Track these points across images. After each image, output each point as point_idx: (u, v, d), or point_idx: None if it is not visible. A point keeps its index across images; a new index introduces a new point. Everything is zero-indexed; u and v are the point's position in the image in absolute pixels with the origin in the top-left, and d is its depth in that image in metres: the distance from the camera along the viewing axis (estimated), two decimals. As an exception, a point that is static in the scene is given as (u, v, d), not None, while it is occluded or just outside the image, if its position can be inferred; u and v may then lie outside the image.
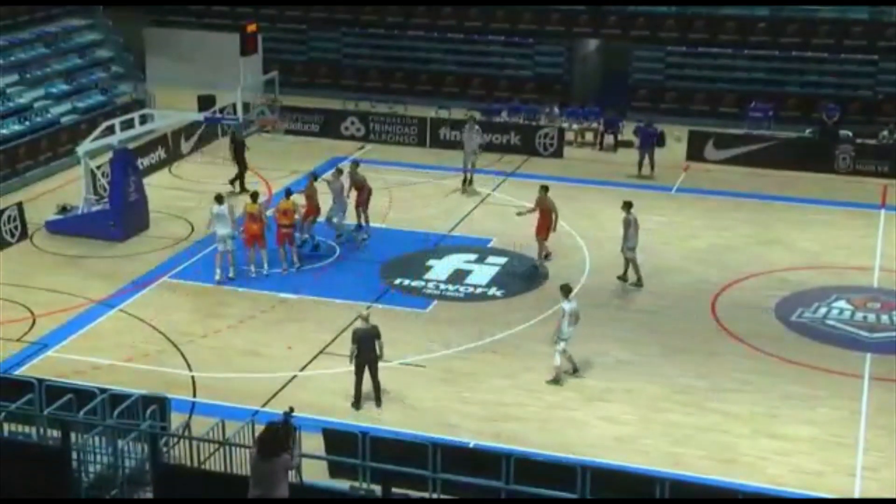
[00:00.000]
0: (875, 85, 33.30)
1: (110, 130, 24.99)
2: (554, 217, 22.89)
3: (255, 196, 22.63)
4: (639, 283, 22.07)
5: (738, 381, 18.40)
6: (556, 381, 18.15)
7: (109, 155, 25.41)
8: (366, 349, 17.16)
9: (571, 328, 18.11)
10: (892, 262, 23.50)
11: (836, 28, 33.69)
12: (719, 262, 23.46)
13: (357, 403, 17.36)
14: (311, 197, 23.61)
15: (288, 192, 22.92)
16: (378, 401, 17.43)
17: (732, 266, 23.27)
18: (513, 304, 21.41)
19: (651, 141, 29.19)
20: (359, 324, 17.37)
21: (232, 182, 27.35)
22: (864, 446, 16.51)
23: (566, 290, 18.36)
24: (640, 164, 29.24)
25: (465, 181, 27.89)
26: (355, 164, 25.10)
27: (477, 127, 28.26)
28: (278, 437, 12.18)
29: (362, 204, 24.42)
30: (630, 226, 21.87)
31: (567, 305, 18.11)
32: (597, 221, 25.34)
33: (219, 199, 22.05)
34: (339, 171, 24.57)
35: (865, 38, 33.40)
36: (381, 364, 17.38)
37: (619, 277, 22.24)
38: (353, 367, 17.31)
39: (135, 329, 20.20)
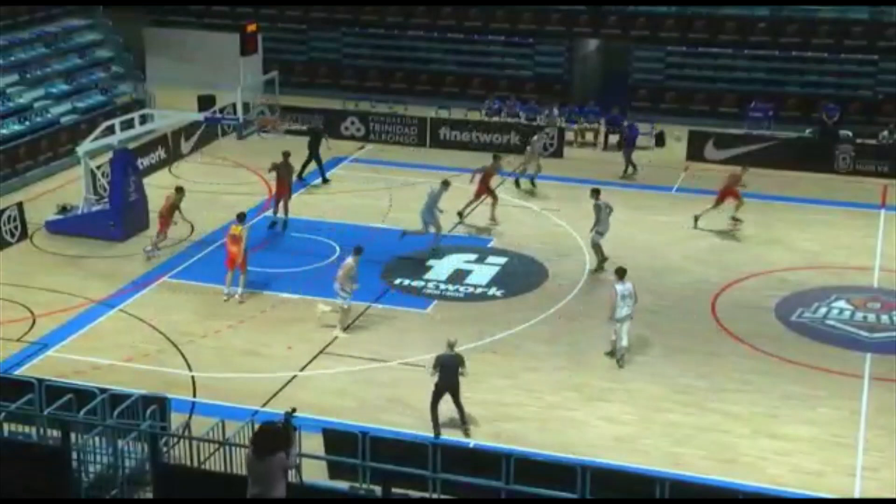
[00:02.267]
0: (875, 85, 33.31)
1: (110, 130, 24.99)
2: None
3: (241, 217, 21.41)
4: (600, 268, 22.56)
5: (738, 381, 18.41)
6: (615, 358, 18.84)
7: (109, 155, 25.40)
8: (447, 375, 16.53)
9: (626, 310, 18.54)
10: (892, 262, 23.50)
11: (836, 28, 33.70)
12: (719, 262, 23.46)
13: (436, 430, 16.45)
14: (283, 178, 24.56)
15: (240, 217, 21.44)
16: (465, 428, 16.66)
17: (733, 266, 23.27)
18: (513, 304, 21.41)
19: (632, 140, 29.30)
20: (445, 350, 16.84)
21: (300, 175, 27.67)
22: (864, 446, 16.51)
23: (620, 273, 18.85)
24: (629, 165, 29.28)
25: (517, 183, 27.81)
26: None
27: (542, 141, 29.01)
28: (273, 435, 12.15)
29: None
30: (601, 211, 22.50)
31: (620, 287, 18.60)
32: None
33: (240, 217, 21.38)
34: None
35: (865, 38, 33.41)
36: (380, 364, 17.30)
37: (593, 271, 22.58)
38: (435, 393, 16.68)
39: (135, 329, 20.20)
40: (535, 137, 28.72)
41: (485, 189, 25.21)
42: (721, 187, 25.26)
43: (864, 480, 15.66)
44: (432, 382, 16.73)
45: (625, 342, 18.76)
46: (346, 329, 19.93)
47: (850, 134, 30.68)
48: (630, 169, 29.26)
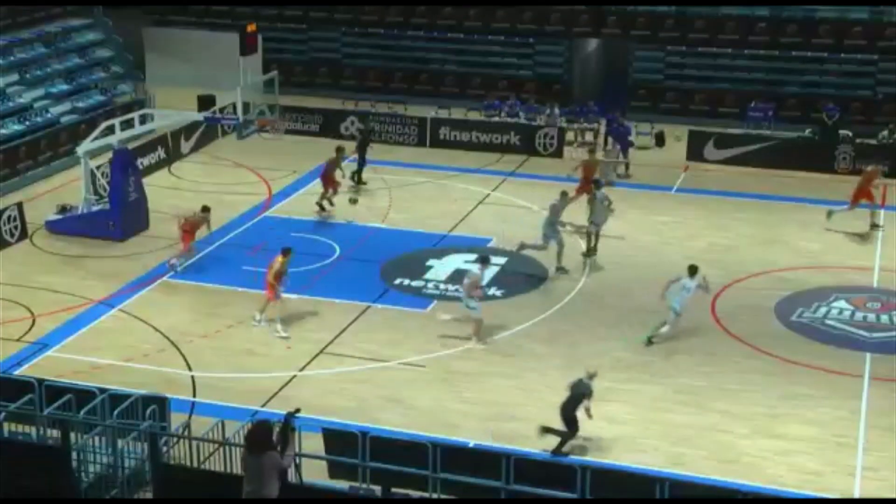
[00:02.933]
0: (875, 85, 33.30)
1: (110, 130, 24.99)
2: None
3: (286, 252, 20.34)
4: (590, 254, 23.11)
5: (738, 381, 18.40)
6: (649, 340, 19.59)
7: (109, 155, 25.40)
8: (571, 404, 16.11)
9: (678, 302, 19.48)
10: (891, 262, 23.49)
11: (836, 28, 33.70)
12: (719, 262, 23.44)
13: (560, 450, 16.05)
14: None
15: (285, 251, 20.50)
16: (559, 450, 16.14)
17: (733, 266, 23.27)
18: (513, 304, 21.40)
19: (626, 138, 29.31)
20: (583, 376, 16.39)
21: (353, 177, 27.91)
22: (864, 446, 16.51)
23: (692, 270, 19.66)
24: (622, 165, 29.31)
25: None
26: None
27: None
28: (265, 432, 12.13)
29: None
30: (596, 203, 23.21)
31: (689, 282, 19.48)
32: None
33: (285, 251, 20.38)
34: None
35: (865, 38, 33.40)
36: (380, 364, 17.23)
37: (584, 254, 23.11)
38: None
39: (135, 329, 20.20)
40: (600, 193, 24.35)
41: None
42: (856, 188, 25.25)
43: (865, 480, 15.66)
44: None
45: (666, 329, 19.52)
46: (481, 340, 19.59)
47: (850, 134, 30.68)
48: (625, 168, 29.27)
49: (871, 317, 20.91)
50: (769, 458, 16.17)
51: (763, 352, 19.47)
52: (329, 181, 25.78)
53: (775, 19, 34.25)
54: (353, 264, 23.21)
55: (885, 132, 30.33)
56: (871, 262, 23.64)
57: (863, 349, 19.61)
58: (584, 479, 13.30)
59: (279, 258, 20.16)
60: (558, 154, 30.83)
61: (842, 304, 21.43)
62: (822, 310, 21.17)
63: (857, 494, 15.34)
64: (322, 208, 25.81)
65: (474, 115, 33.02)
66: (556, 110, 32.76)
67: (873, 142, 30.21)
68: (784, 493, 15.04)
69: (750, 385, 18.28)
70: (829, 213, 25.34)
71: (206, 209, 23.09)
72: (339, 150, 26.46)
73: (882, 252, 24.18)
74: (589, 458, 15.12)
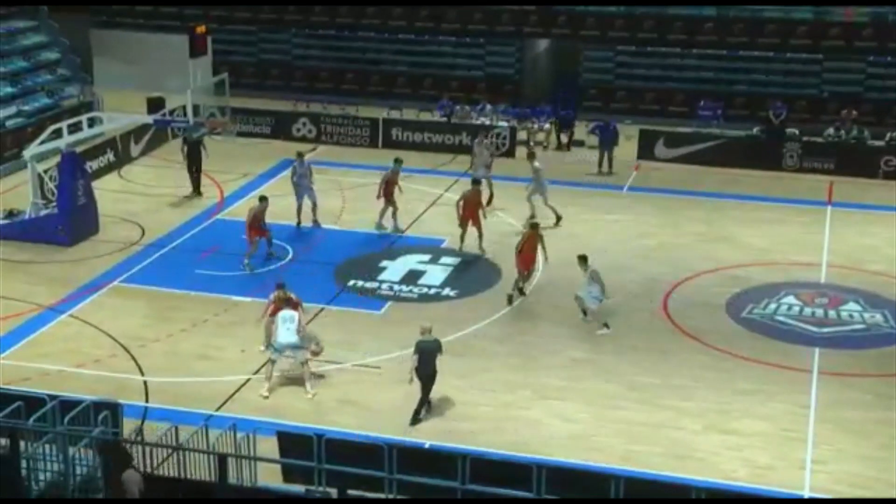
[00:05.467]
0: (820, 84, 33.83)
1: (58, 134, 24.67)
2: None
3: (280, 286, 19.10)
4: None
5: (690, 378, 18.59)
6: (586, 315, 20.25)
7: (57, 159, 25.07)
8: (426, 362, 16.69)
9: (592, 286, 20.06)
10: (838, 258, 23.86)
11: (782, 28, 34.17)
12: (670, 260, 23.67)
13: (416, 418, 16.79)
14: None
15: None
16: (418, 419, 16.81)
17: (683, 264, 23.49)
18: (467, 305, 21.45)
19: (611, 139, 29.52)
20: (421, 336, 16.90)
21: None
22: (813, 440, 16.74)
23: (583, 259, 20.36)
24: (601, 163, 29.54)
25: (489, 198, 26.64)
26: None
27: (486, 141, 28.30)
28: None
29: None
30: (535, 173, 24.79)
31: (588, 270, 20.27)
32: (551, 220, 25.36)
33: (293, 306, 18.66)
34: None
35: (810, 38, 33.91)
36: (334, 366, 17.23)
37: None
38: (410, 380, 16.80)
39: (85, 334, 19.96)
40: (477, 140, 28.08)
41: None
42: None
43: (814, 474, 15.88)
44: (412, 371, 16.75)
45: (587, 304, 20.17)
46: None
47: (797, 132, 31.12)
48: (608, 166, 29.45)
49: (820, 312, 21.22)
50: (721, 454, 16.35)
51: (714, 348, 19.68)
52: (388, 196, 24.79)
53: (722, 19, 34.65)
54: (306, 266, 23.11)
55: (831, 130, 30.79)
56: (819, 257, 23.99)
57: (812, 344, 19.89)
58: (540, 478, 13.35)
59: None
60: (510, 154, 30.94)
61: (791, 299, 21.72)
62: (772, 306, 21.45)
63: (807, 488, 15.55)
64: (383, 225, 25.03)
65: (426, 116, 33.03)
66: (488, 107, 32.80)
67: (819, 139, 30.66)
68: (736, 488, 15.19)
69: (702, 381, 18.47)
70: None
71: (262, 199, 22.96)
72: (398, 161, 25.30)
73: (829, 248, 24.54)
74: (543, 457, 15.18)
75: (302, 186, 24.99)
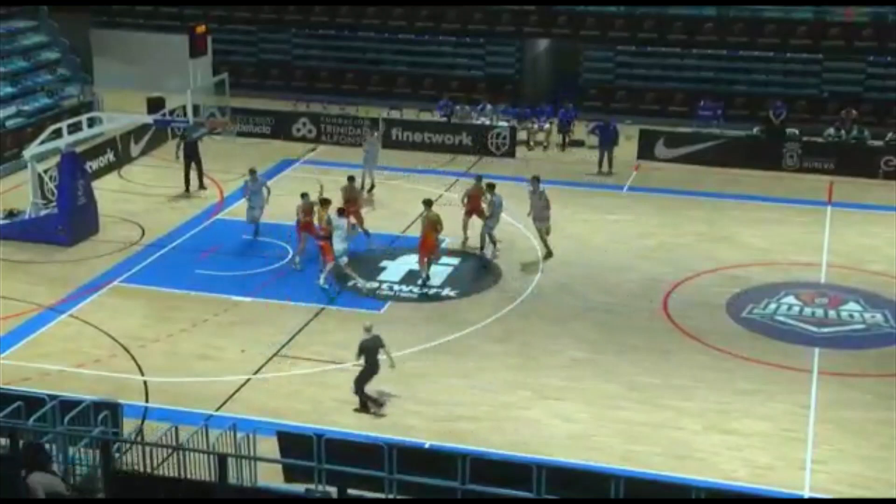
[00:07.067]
0: (820, 83, 33.83)
1: (58, 134, 24.67)
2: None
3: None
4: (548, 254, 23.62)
5: (690, 378, 18.59)
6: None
7: (57, 159, 25.06)
8: (372, 360, 17.16)
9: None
10: (838, 258, 23.86)
11: (782, 28, 34.17)
12: (670, 260, 23.67)
13: (365, 408, 17.33)
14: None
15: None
16: (369, 411, 17.36)
17: (683, 264, 23.49)
18: (466, 304, 21.44)
19: (611, 139, 29.52)
20: (363, 335, 17.23)
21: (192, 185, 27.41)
22: (813, 440, 16.75)
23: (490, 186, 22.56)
24: (601, 163, 29.53)
25: (370, 188, 27.60)
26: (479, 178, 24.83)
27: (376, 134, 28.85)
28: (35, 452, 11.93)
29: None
30: (533, 197, 23.39)
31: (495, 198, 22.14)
32: (551, 221, 25.33)
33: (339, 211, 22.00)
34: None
35: (810, 38, 33.91)
36: (335, 366, 17.23)
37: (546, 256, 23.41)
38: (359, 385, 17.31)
39: (85, 334, 19.96)
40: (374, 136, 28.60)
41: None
42: None
43: (814, 474, 15.88)
44: (357, 370, 17.27)
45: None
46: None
47: (797, 132, 31.13)
48: (608, 166, 29.46)
49: (820, 312, 21.22)
50: (721, 454, 16.35)
51: (714, 348, 19.68)
52: (477, 210, 24.10)
53: (722, 19, 34.66)
54: (306, 266, 23.09)
55: (831, 129, 30.78)
56: (819, 257, 23.99)
57: (812, 344, 19.89)
58: (540, 478, 13.35)
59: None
60: (510, 154, 30.95)
61: (791, 299, 21.72)
62: (772, 306, 21.45)
63: (807, 488, 15.56)
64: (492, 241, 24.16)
65: (426, 116, 33.03)
66: (489, 107, 32.82)
67: (819, 139, 30.66)
68: (736, 488, 15.20)
69: (702, 381, 18.47)
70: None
71: (304, 196, 23.08)
72: (479, 179, 24.57)
73: (829, 248, 24.54)
74: (543, 457, 15.18)
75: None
